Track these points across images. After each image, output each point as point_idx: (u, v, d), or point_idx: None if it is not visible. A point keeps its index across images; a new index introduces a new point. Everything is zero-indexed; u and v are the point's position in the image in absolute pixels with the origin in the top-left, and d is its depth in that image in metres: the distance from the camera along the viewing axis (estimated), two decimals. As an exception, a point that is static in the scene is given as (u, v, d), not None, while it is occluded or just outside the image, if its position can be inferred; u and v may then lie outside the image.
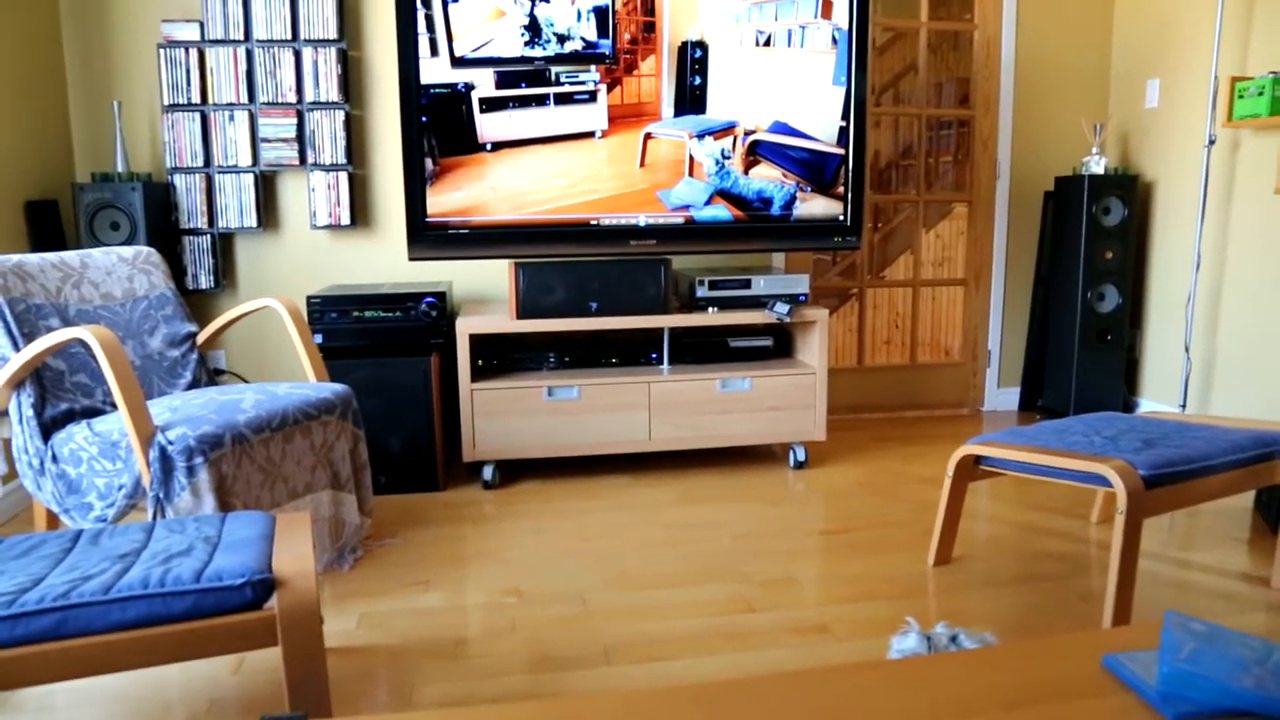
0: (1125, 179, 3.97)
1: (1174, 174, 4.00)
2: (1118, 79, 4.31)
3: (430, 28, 3.12)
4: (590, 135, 3.29)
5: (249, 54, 3.51)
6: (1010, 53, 4.21)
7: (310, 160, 3.60)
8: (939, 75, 5.38)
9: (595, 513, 3.05)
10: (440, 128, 3.19)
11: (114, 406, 2.39)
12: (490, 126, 3.21)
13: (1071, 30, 4.27)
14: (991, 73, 4.23)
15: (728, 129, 3.36)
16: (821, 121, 3.41)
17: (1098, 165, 4.00)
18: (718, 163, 3.33)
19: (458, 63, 3.15)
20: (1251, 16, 3.57)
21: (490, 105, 3.20)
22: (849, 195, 3.47)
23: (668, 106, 3.32)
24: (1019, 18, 4.20)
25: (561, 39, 3.18)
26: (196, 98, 3.51)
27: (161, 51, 3.47)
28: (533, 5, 3.14)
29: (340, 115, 3.58)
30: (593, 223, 3.31)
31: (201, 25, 3.49)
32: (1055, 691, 1.20)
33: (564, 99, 3.24)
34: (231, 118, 3.54)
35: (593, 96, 3.26)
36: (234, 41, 3.50)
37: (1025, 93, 4.27)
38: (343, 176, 3.62)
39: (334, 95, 3.56)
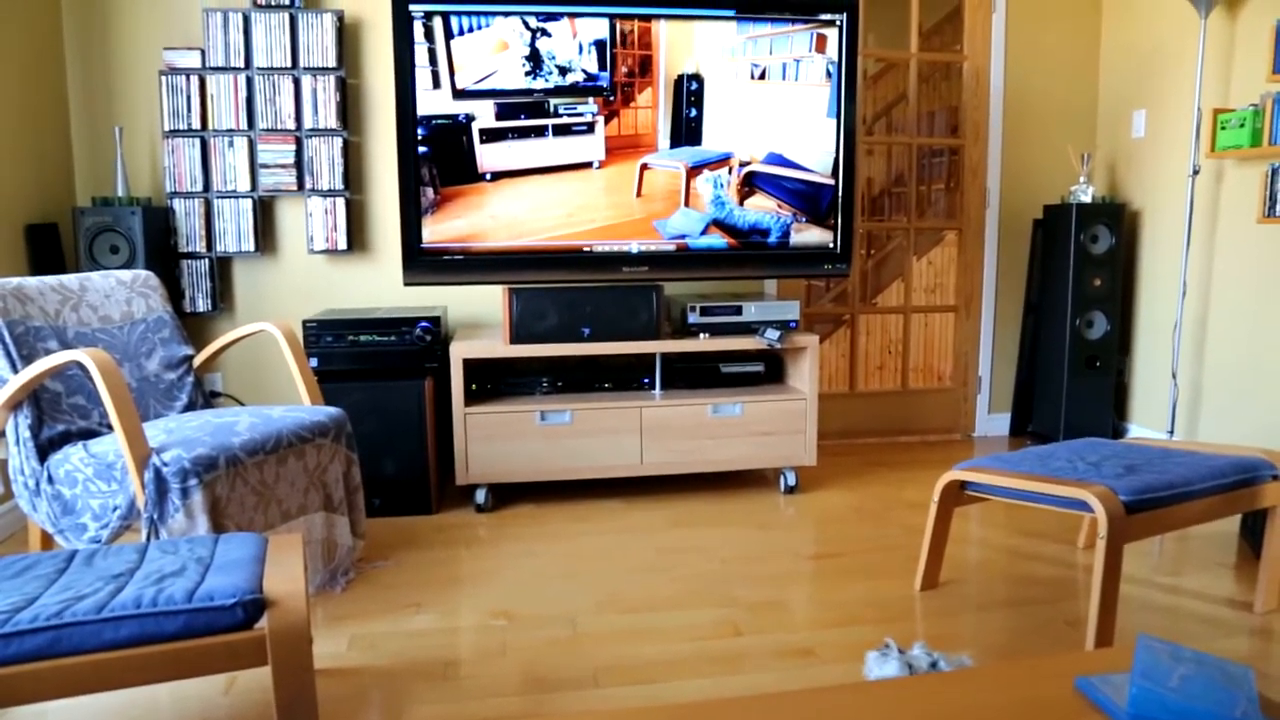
0: (1113, 207, 4.02)
1: (1160, 203, 4.05)
2: (1105, 109, 4.38)
3: (433, 61, 3.18)
4: (588, 166, 3.34)
5: (249, 81, 3.57)
6: (999, 83, 4.28)
7: (308, 186, 3.65)
8: (930, 105, 5.45)
9: (587, 536, 3.07)
10: (441, 158, 3.24)
11: (110, 428, 2.42)
12: (490, 157, 3.27)
13: (1059, 61, 4.35)
14: (981, 103, 4.29)
15: (723, 160, 3.41)
16: (816, 153, 3.46)
17: (1085, 194, 4.06)
18: (716, 194, 3.38)
19: (459, 95, 3.21)
20: (1233, 50, 3.64)
21: (490, 136, 3.25)
22: (839, 223, 3.52)
23: (664, 138, 3.37)
24: (1007, 49, 4.27)
25: (563, 70, 3.24)
26: (197, 124, 3.56)
27: (163, 78, 3.52)
28: (534, 38, 3.21)
29: (338, 142, 3.63)
30: (585, 249, 3.36)
31: (203, 53, 3.55)
32: (1027, 713, 1.23)
33: (562, 130, 3.30)
34: (231, 143, 3.59)
35: (590, 128, 3.32)
36: (234, 69, 3.56)
37: (1014, 122, 4.34)
38: (340, 202, 3.67)
39: (332, 122, 3.62)
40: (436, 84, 3.19)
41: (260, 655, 1.46)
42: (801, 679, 2.09)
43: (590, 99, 3.29)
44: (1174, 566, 2.79)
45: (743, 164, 3.42)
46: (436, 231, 3.26)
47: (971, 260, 4.40)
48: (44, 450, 2.27)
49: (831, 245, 3.53)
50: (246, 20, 3.54)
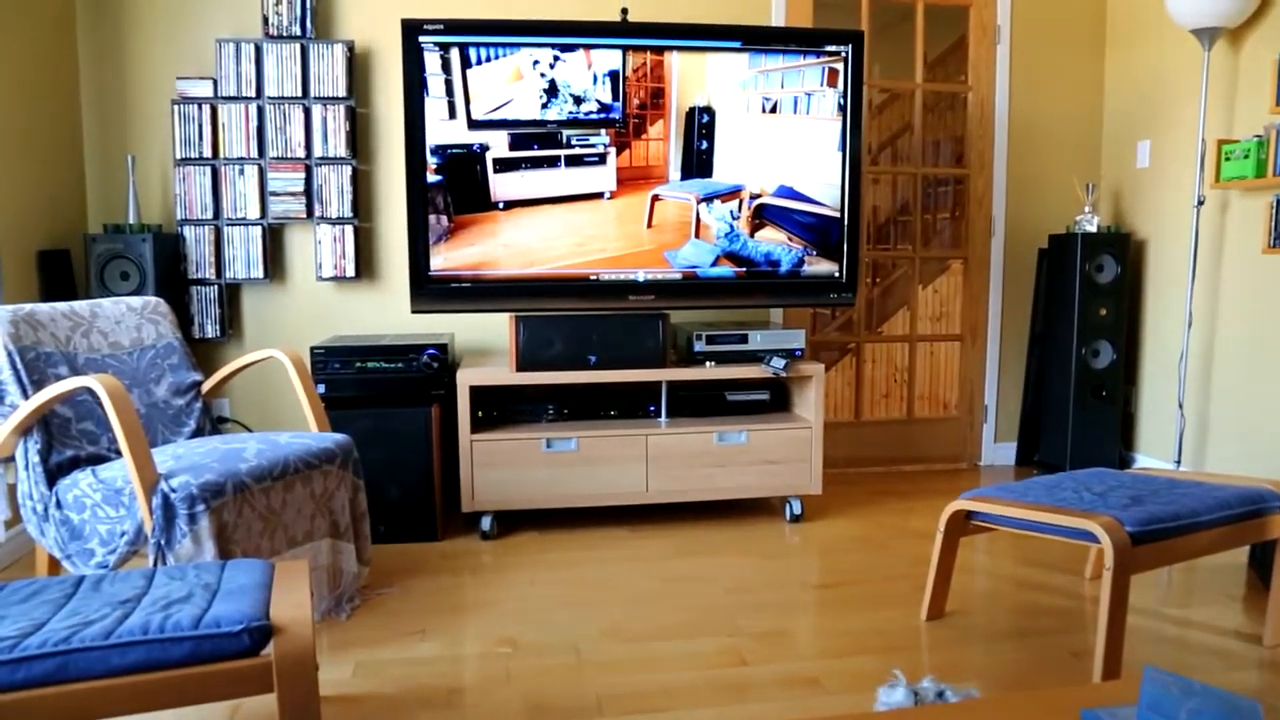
0: (1118, 237, 4.04)
1: (1165, 233, 4.07)
2: (1109, 140, 4.40)
3: (449, 92, 3.22)
4: (599, 196, 3.37)
5: (260, 110, 3.61)
6: (1004, 113, 4.31)
7: (317, 213, 3.68)
8: (935, 134, 5.48)
9: (591, 564, 3.07)
10: (456, 186, 3.27)
11: (119, 454, 2.43)
12: (503, 186, 3.30)
13: (1064, 92, 4.38)
14: (985, 132, 4.32)
15: (734, 192, 3.44)
16: (827, 186, 3.49)
17: (1091, 224, 4.07)
18: (729, 226, 3.40)
19: (474, 125, 3.25)
20: (1236, 82, 3.66)
21: (504, 166, 3.29)
22: (845, 253, 3.54)
23: (675, 170, 3.40)
24: (1012, 79, 4.31)
25: (577, 100, 3.28)
26: (208, 152, 3.60)
27: (176, 107, 3.57)
28: (551, 65, 3.25)
29: (347, 170, 3.67)
30: (592, 278, 3.38)
31: (215, 82, 3.59)
32: (1034, 745, 1.22)
33: (574, 161, 3.33)
34: (241, 171, 3.63)
35: (602, 159, 3.35)
36: (246, 98, 3.60)
37: (1019, 152, 4.36)
38: (348, 230, 3.70)
39: (342, 151, 3.65)
40: (452, 114, 3.23)
41: (266, 682, 1.46)
42: (807, 709, 2.08)
43: (603, 130, 3.33)
44: (1181, 598, 2.78)
45: (753, 196, 3.45)
46: (450, 259, 3.29)
47: (977, 289, 4.42)
48: (53, 475, 2.28)
49: (837, 274, 3.55)
50: (258, 50, 3.59)
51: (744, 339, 3.50)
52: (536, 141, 3.30)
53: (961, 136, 4.45)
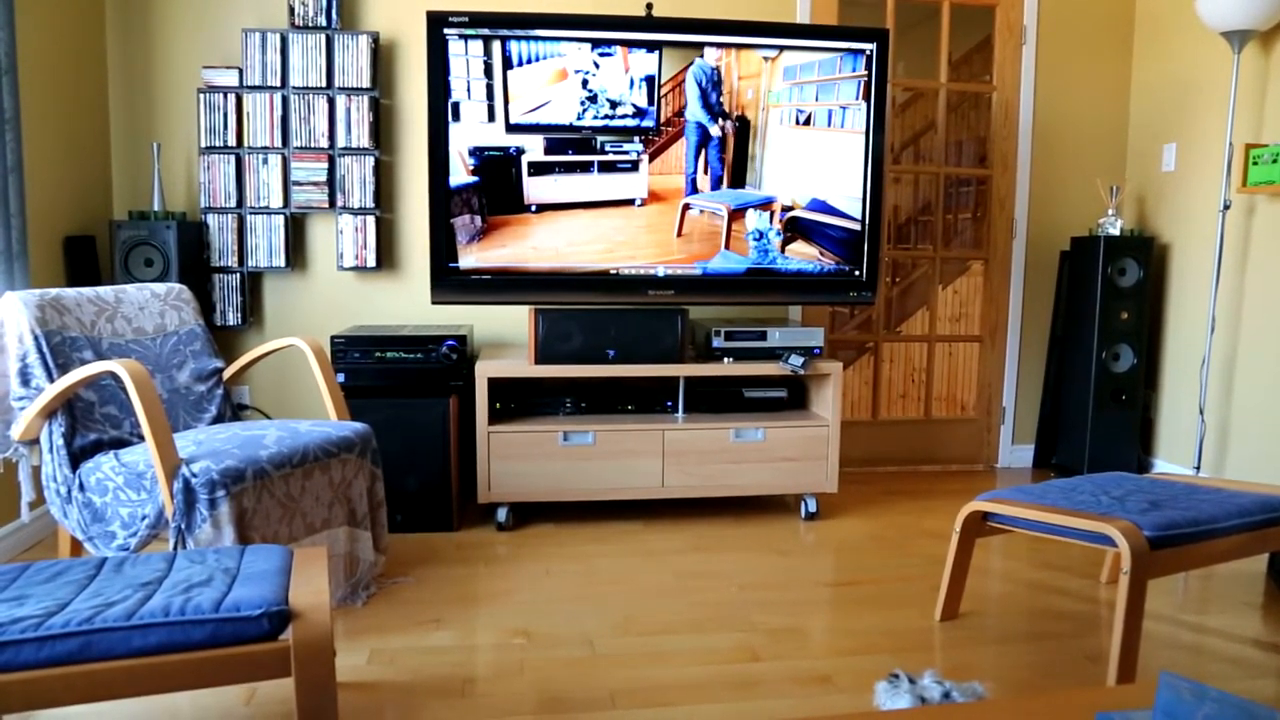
0: (1141, 241, 4.00)
1: (1190, 237, 4.03)
2: (1134, 142, 4.37)
3: (489, 95, 3.24)
4: (630, 203, 3.38)
5: (285, 100, 3.63)
6: (1028, 114, 4.28)
7: (339, 203, 3.70)
8: (958, 134, 5.45)
9: (606, 558, 3.08)
10: (491, 188, 3.29)
11: (141, 438, 2.46)
12: (536, 189, 3.32)
13: (1089, 93, 4.35)
14: (1009, 133, 4.30)
15: (766, 204, 3.44)
16: (858, 202, 3.49)
17: (1114, 227, 4.04)
18: (760, 239, 3.40)
19: (512, 129, 3.27)
20: (1266, 85, 3.63)
21: (538, 169, 3.30)
22: (865, 252, 3.53)
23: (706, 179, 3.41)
24: (1037, 80, 4.28)
25: (613, 104, 3.28)
26: (232, 141, 3.63)
27: (201, 96, 3.59)
28: (589, 74, 3.26)
29: (370, 161, 3.69)
30: (611, 272, 3.39)
31: (240, 72, 3.62)
32: (1047, 746, 1.22)
33: (606, 167, 3.34)
34: (265, 161, 3.65)
35: (634, 166, 3.36)
36: (271, 88, 3.62)
37: (1043, 154, 4.34)
38: (370, 220, 3.72)
39: (365, 142, 3.67)
40: (491, 117, 3.25)
41: (284, 666, 1.47)
42: (818, 706, 2.08)
43: (636, 138, 3.34)
44: (1198, 604, 2.76)
45: (785, 208, 3.44)
46: (481, 258, 3.31)
47: (997, 290, 4.39)
48: (76, 458, 2.31)
49: (857, 273, 3.54)
50: (284, 40, 3.61)
51: (762, 336, 3.50)
52: (571, 146, 3.31)
53: (985, 137, 4.43)
